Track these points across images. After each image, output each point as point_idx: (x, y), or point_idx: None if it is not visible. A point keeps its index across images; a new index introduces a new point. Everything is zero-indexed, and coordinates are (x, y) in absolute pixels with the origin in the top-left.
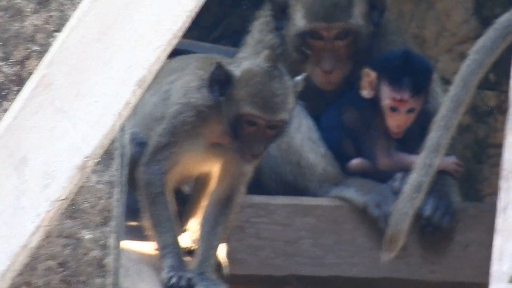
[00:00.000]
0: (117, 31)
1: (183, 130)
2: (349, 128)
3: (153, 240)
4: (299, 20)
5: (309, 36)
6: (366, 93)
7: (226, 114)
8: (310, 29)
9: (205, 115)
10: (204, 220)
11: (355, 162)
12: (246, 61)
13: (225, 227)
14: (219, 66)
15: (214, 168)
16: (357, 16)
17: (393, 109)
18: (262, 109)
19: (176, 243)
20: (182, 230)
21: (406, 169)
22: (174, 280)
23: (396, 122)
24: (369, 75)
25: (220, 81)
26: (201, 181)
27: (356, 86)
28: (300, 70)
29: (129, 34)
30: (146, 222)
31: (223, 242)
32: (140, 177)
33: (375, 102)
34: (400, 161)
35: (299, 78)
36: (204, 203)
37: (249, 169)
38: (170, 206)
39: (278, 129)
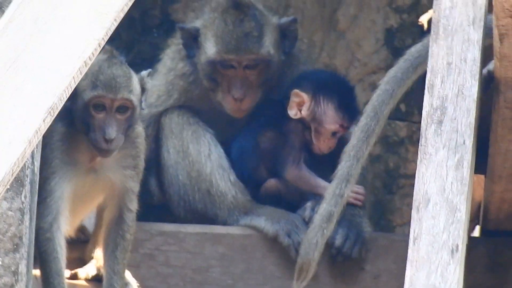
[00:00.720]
0: (28, 58)
1: (53, 159)
2: (264, 151)
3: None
4: (209, 49)
5: (220, 65)
6: (293, 113)
7: (74, 111)
8: (221, 59)
9: (65, 134)
10: (103, 245)
11: (269, 182)
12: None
13: (124, 249)
14: None
15: (101, 196)
16: (268, 45)
17: (334, 133)
18: (104, 89)
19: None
20: (89, 258)
21: (312, 190)
22: None
23: (328, 144)
24: (300, 96)
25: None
26: (99, 211)
27: (268, 109)
28: (212, 97)
29: (39, 61)
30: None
31: (125, 263)
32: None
33: (302, 121)
34: (307, 177)
35: (144, 72)
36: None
37: (133, 185)
38: (58, 258)
39: (127, 113)
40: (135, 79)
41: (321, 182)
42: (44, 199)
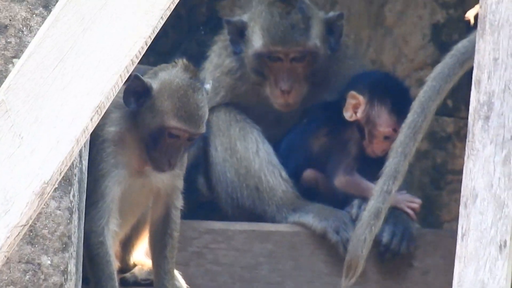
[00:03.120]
0: (74, 58)
1: (104, 161)
2: (315, 154)
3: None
4: (256, 42)
5: (267, 58)
6: (348, 115)
7: (145, 125)
8: (268, 51)
9: (122, 137)
10: (151, 246)
11: (308, 172)
12: (162, 72)
13: (172, 247)
14: (136, 78)
15: (150, 199)
16: (315, 38)
17: (387, 137)
18: (187, 122)
19: None
20: (131, 265)
21: (362, 195)
22: None
23: (383, 147)
24: (356, 98)
25: (138, 93)
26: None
27: (321, 110)
28: (259, 91)
29: (86, 60)
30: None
31: (174, 262)
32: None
33: (358, 125)
34: (357, 183)
35: (207, 86)
36: (145, 233)
37: (180, 182)
38: (110, 261)
39: (196, 139)
40: (207, 101)
41: (371, 185)
42: (95, 202)
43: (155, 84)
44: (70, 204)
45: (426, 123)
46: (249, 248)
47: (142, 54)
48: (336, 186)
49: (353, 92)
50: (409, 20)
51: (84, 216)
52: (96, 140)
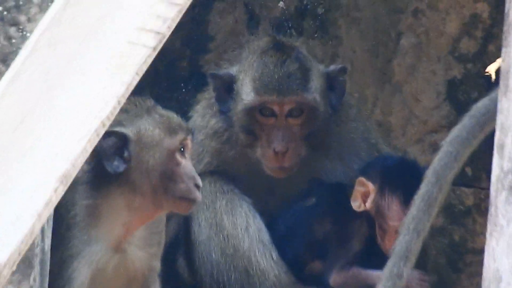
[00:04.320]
0: (37, 119)
1: (78, 236)
2: (317, 241)
3: None
4: (247, 94)
5: (259, 113)
6: (357, 205)
7: (141, 180)
8: (260, 103)
9: (94, 207)
10: None
11: (315, 264)
12: (137, 118)
13: None
14: (110, 134)
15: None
16: (314, 91)
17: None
18: None
19: None
20: None
21: (366, 285)
22: None
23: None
24: (365, 185)
25: (118, 149)
26: None
27: (327, 191)
28: (249, 156)
29: (50, 122)
30: None
31: None
32: None
33: (367, 215)
34: (356, 276)
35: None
36: None
37: (157, 264)
38: None
39: None
40: None
41: (372, 272)
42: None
43: (131, 133)
44: None
45: (442, 194)
46: None
47: (114, 116)
48: (331, 285)
49: (362, 178)
50: (420, 76)
51: None
52: (59, 211)
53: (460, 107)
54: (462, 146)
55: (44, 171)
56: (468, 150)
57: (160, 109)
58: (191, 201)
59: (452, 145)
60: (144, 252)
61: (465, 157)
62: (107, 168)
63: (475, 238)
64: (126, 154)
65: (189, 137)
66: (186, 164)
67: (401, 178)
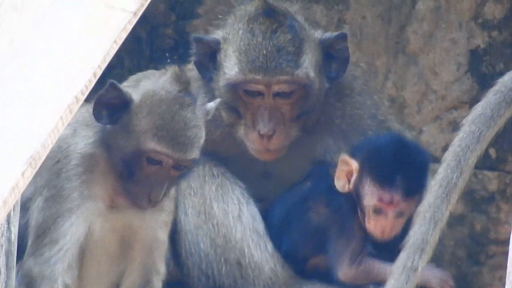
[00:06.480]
0: (1, 92)
1: (71, 191)
2: (316, 229)
3: None
4: (230, 69)
5: (243, 91)
6: (341, 185)
7: (119, 148)
8: (244, 82)
9: (93, 162)
10: None
11: (315, 259)
12: (147, 80)
13: None
14: (112, 86)
15: (118, 249)
16: (307, 66)
17: (378, 211)
18: (170, 145)
19: None
20: None
21: (378, 279)
22: None
23: (380, 227)
24: (348, 163)
25: (112, 106)
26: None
27: (321, 175)
28: (232, 135)
29: (15, 97)
30: None
31: None
32: (25, 274)
33: (352, 197)
34: (369, 271)
35: (211, 104)
36: None
37: (163, 235)
38: None
39: (185, 169)
40: (203, 122)
41: (386, 265)
42: (53, 241)
43: (135, 95)
44: None
45: (463, 179)
46: None
47: (89, 89)
48: (342, 280)
49: (345, 157)
50: (439, 45)
51: None
52: (57, 164)
53: (484, 81)
54: (485, 125)
55: (10, 153)
56: (492, 130)
57: (177, 107)
58: (135, 204)
59: (474, 124)
60: (144, 220)
61: (489, 137)
62: (93, 114)
63: (499, 228)
64: (117, 115)
65: (173, 160)
66: (152, 172)
67: (387, 154)
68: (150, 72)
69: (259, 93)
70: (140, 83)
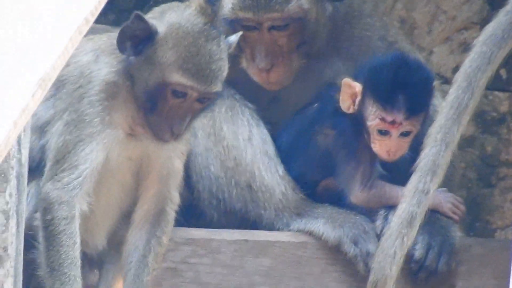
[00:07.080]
0: (12, 18)
1: (93, 116)
2: (323, 150)
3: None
4: (225, 3)
5: (239, 26)
6: (346, 107)
7: (143, 80)
8: (236, 19)
9: (116, 89)
10: (130, 247)
11: (327, 182)
12: (172, 12)
13: (157, 256)
14: (138, 18)
15: (132, 179)
16: None
17: (382, 132)
18: (196, 78)
19: None
20: None
21: (389, 203)
22: None
23: (385, 147)
24: (351, 86)
25: (137, 37)
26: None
27: (329, 97)
28: (234, 66)
29: (24, 17)
30: (43, 261)
31: (153, 274)
32: (43, 198)
33: (357, 119)
34: (381, 195)
35: (233, 38)
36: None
37: (179, 166)
38: (78, 244)
39: (208, 102)
40: (226, 55)
41: (399, 190)
42: (73, 166)
43: (160, 27)
44: (5, 206)
45: (474, 100)
46: (240, 264)
47: (99, 10)
48: (354, 203)
49: (347, 79)
50: None
51: (24, 220)
52: (80, 89)
53: (494, 1)
54: (496, 46)
55: (20, 74)
56: (503, 51)
57: (202, 40)
58: (157, 137)
59: (485, 44)
60: (162, 149)
61: (499, 58)
62: (117, 46)
63: (510, 149)
64: (140, 46)
65: (198, 93)
66: (176, 105)
67: (384, 77)
68: (175, 3)
69: (255, 27)
70: (165, 15)
